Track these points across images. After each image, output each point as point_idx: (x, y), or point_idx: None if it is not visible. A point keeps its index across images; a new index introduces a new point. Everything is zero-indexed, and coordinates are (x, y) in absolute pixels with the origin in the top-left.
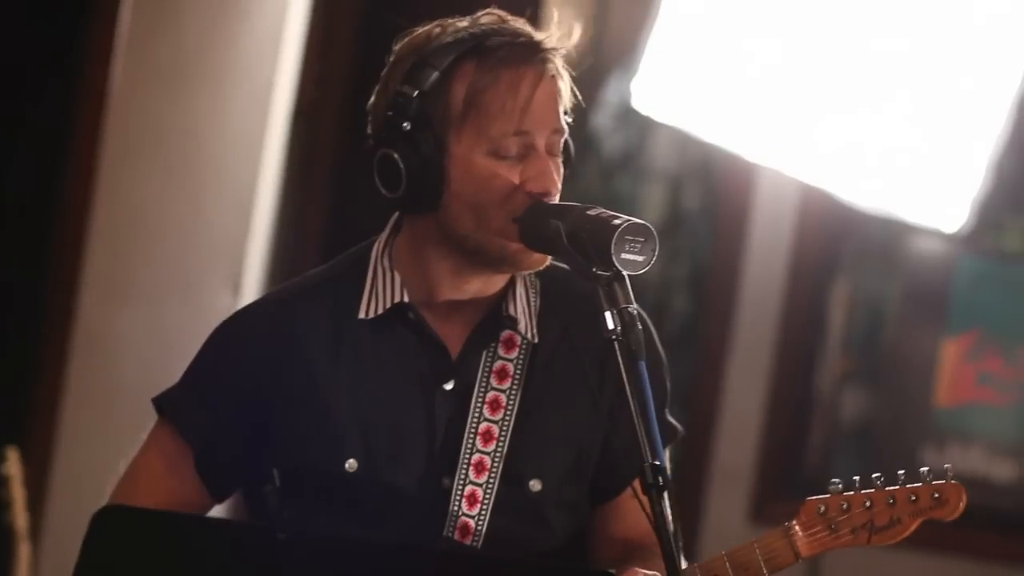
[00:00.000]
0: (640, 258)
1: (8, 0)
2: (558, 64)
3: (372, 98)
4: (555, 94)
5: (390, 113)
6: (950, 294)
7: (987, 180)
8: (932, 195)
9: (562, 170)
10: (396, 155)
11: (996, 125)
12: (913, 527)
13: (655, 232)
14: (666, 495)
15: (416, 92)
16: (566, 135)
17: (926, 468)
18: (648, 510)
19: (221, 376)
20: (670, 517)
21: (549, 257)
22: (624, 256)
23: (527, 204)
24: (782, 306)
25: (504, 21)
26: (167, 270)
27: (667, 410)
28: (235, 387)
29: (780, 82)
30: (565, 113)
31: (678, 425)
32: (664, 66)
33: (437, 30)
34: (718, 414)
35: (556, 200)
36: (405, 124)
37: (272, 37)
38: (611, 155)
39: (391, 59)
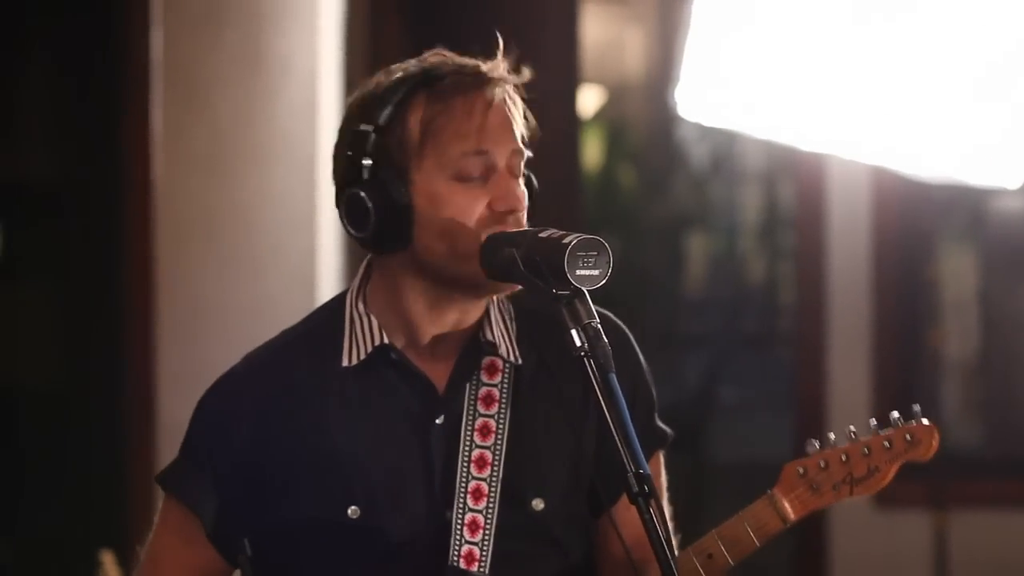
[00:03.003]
0: (596, 272)
1: (42, 116)
2: (508, 90)
3: (333, 147)
4: (508, 118)
5: (349, 153)
6: None
7: None
8: (990, 154)
9: (526, 195)
10: (362, 193)
11: None
12: (892, 473)
13: (607, 244)
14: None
15: (372, 128)
16: (526, 157)
17: (896, 414)
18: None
19: (216, 443)
20: (659, 523)
21: None
22: (579, 272)
23: (496, 222)
24: (872, 288)
25: (449, 59)
26: (239, 352)
27: (656, 415)
28: (231, 451)
29: (821, 66)
30: (523, 141)
31: (668, 430)
32: (704, 70)
33: (383, 76)
34: (826, 404)
35: (524, 220)
36: (365, 160)
37: (307, 107)
38: (701, 163)
39: (346, 110)
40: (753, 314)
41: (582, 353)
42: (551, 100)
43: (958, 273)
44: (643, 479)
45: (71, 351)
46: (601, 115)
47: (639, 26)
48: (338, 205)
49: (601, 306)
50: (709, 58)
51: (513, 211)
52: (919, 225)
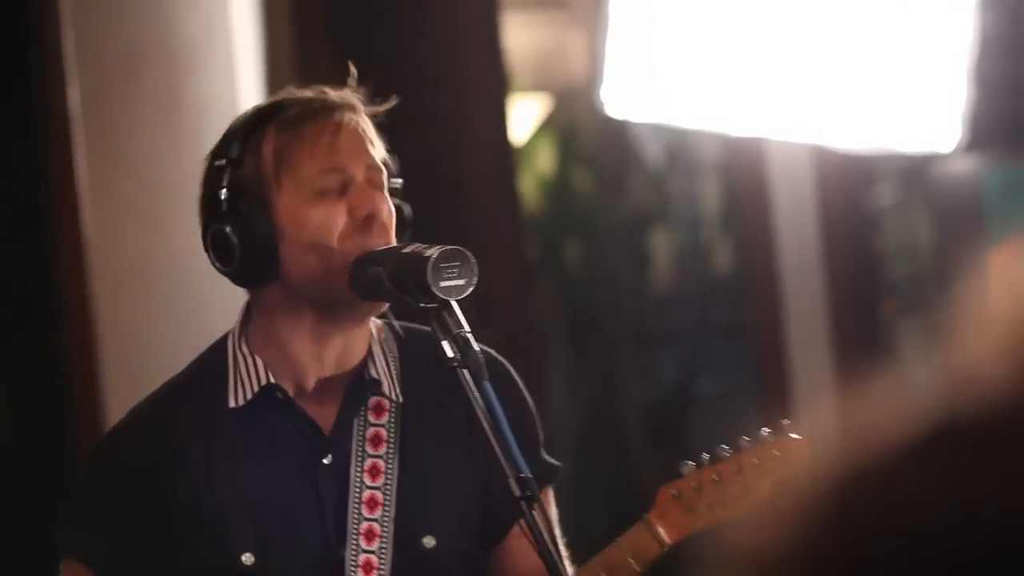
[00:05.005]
0: (461, 281)
1: None
2: (357, 116)
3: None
4: (362, 138)
5: (208, 190)
6: (983, 210)
7: (971, 91)
8: (919, 120)
9: (394, 211)
10: (225, 228)
11: (965, 34)
12: (765, 489)
13: (469, 253)
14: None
15: (225, 160)
16: (389, 178)
17: (767, 430)
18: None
19: (107, 498)
20: (544, 530)
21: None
22: (444, 284)
23: (359, 230)
24: (824, 266)
25: (298, 94)
26: None
27: (543, 449)
28: (123, 506)
29: (744, 49)
30: (386, 165)
31: (556, 463)
32: (627, 66)
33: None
34: (791, 388)
35: (388, 229)
36: (221, 192)
37: None
38: (656, 161)
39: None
40: (723, 304)
41: (455, 364)
42: (481, 113)
43: (909, 242)
44: (525, 484)
45: (17, 413)
46: (551, 122)
47: (581, 29)
48: (205, 245)
49: (571, 307)
50: (630, 53)
51: (373, 216)
52: (864, 198)
